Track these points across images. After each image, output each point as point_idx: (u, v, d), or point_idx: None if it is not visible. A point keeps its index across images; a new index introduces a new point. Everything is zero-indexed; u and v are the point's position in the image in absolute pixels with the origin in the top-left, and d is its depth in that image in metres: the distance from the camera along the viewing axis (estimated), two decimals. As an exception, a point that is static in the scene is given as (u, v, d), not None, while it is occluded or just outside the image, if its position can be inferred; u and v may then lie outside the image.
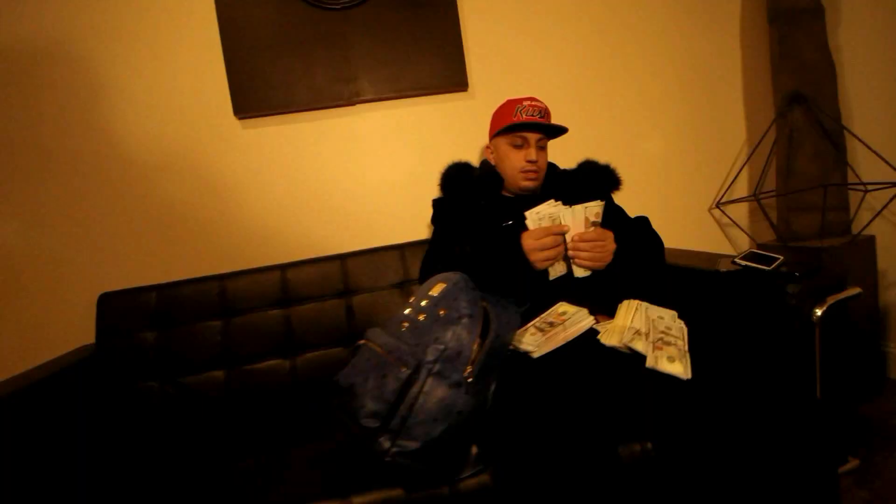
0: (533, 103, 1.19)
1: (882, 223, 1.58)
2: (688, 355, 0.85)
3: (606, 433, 0.78)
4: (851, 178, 1.60)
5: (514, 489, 0.75)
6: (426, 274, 1.09)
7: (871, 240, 1.53)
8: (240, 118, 1.48)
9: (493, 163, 1.27)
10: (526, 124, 1.17)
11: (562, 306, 1.01)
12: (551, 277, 1.04)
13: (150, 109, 1.45)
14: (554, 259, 1.02)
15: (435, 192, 1.34)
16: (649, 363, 0.83)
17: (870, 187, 1.52)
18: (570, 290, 1.06)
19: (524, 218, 1.14)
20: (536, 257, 1.00)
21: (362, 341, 0.89)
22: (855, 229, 1.57)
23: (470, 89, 1.57)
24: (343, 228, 1.55)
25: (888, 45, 1.56)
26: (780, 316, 1.02)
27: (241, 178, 1.50)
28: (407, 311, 0.90)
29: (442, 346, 0.80)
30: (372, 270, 1.40)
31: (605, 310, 1.05)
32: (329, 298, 1.36)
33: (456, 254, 1.08)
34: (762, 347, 1.01)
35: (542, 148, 1.21)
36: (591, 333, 0.96)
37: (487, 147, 1.29)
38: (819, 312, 0.99)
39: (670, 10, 1.66)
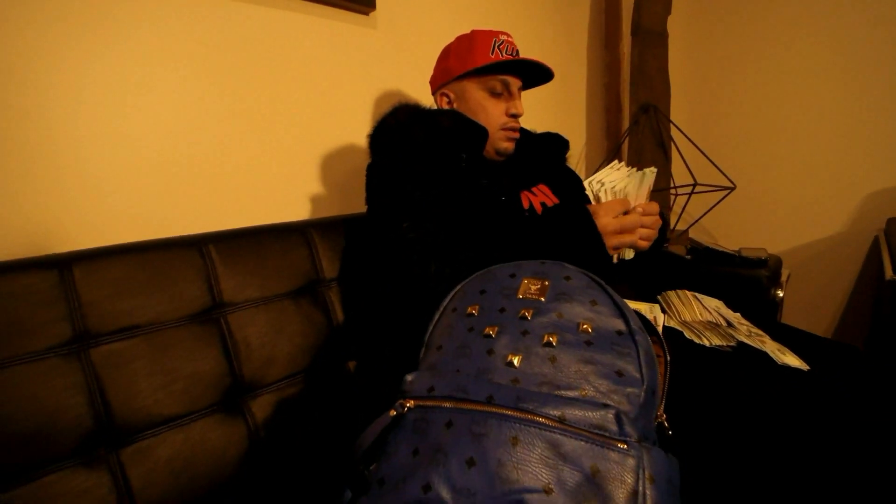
0: (509, 38, 0.90)
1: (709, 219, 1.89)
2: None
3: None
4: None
5: None
6: (424, 275, 0.67)
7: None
8: None
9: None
10: (512, 64, 0.87)
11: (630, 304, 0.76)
12: (615, 262, 0.77)
13: None
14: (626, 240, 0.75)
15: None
16: (779, 360, 0.67)
17: (679, 191, 1.84)
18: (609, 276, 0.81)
19: (518, 193, 0.88)
20: (614, 242, 0.71)
21: (449, 403, 0.42)
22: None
23: (373, 14, 1.13)
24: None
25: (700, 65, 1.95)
26: (754, 296, 1.05)
27: None
28: (492, 332, 0.47)
29: (636, 388, 0.44)
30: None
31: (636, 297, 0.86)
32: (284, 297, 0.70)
33: (498, 241, 0.70)
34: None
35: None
36: (670, 332, 0.76)
37: (442, 94, 0.93)
38: (781, 294, 1.06)
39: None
